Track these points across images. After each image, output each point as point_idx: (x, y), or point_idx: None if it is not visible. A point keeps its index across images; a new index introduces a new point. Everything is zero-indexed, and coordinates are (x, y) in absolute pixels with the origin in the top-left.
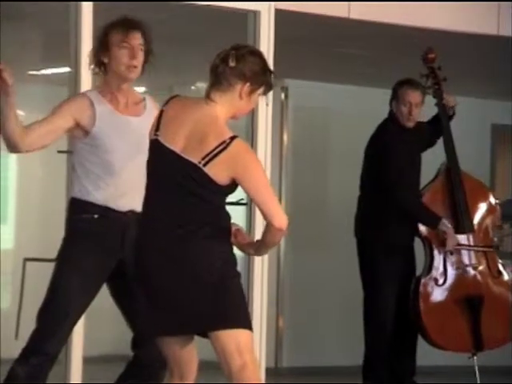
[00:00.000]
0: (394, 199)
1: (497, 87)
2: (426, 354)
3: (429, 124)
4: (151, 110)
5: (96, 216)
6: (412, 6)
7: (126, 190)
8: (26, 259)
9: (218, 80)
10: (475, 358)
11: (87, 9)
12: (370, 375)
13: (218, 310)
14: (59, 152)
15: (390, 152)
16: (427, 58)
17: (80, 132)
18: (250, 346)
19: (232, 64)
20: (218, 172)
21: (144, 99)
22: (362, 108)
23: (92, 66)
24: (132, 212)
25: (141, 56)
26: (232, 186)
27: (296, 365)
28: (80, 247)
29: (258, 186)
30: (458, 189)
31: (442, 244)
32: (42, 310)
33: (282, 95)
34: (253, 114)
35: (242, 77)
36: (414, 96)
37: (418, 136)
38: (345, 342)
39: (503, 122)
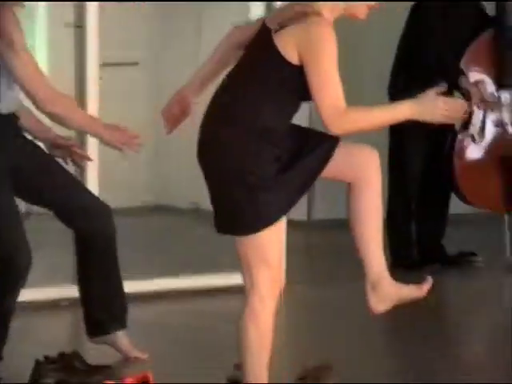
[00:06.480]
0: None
1: None
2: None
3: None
4: None
5: None
6: None
7: None
8: None
9: None
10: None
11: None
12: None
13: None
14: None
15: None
16: None
17: None
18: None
19: None
20: (286, 43)
21: None
22: None
23: None
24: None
25: None
26: (299, 70)
27: (328, 217)
28: None
29: (319, 69)
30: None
31: (483, 99)
32: None
33: None
34: None
35: None
36: None
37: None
38: None
39: None
